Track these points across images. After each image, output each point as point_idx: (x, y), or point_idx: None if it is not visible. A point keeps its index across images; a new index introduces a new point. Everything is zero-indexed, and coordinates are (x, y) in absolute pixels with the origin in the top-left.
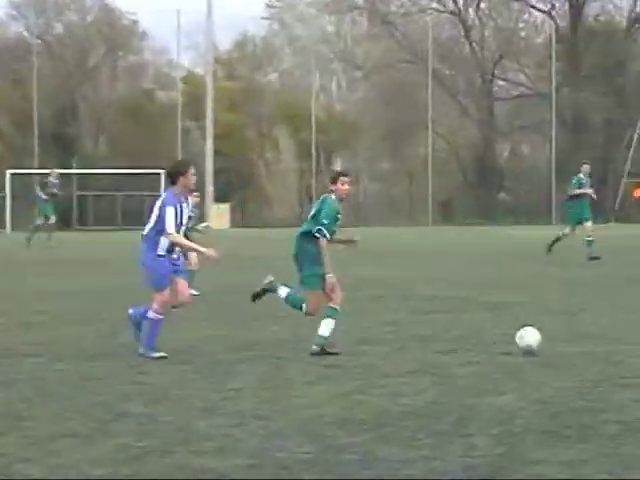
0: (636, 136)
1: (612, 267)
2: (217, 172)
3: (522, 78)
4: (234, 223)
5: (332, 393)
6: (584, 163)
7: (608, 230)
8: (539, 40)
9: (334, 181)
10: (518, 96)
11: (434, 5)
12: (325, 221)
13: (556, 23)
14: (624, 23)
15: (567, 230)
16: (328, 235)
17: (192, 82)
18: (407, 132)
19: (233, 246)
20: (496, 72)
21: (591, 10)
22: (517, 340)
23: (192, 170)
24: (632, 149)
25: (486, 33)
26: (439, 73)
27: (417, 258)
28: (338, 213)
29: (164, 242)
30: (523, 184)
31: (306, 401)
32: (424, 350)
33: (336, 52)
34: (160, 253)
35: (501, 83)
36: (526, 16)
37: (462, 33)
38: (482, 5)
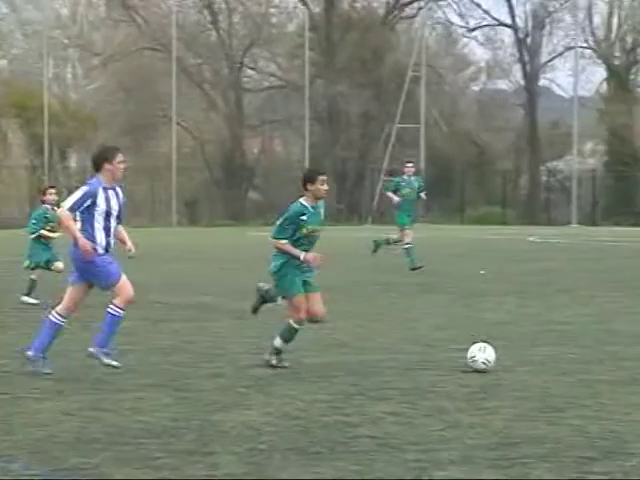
0: (394, 132)
1: (365, 272)
2: None
3: (273, 68)
4: None
5: (62, 410)
6: (408, 162)
7: (363, 232)
8: (292, 27)
9: (312, 181)
10: (269, 88)
11: None
12: (279, 225)
13: (309, 9)
14: (382, 11)
15: (396, 235)
16: (281, 237)
17: None
18: (149, 125)
19: None
20: (245, 61)
21: None
22: (476, 356)
23: (119, 157)
24: (390, 145)
25: (235, 19)
26: (184, 62)
27: (158, 262)
28: (313, 215)
29: (100, 240)
30: (274, 183)
31: (33, 419)
32: (164, 362)
33: (71, 37)
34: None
35: (251, 73)
36: (277, 1)
37: (208, 19)
38: None
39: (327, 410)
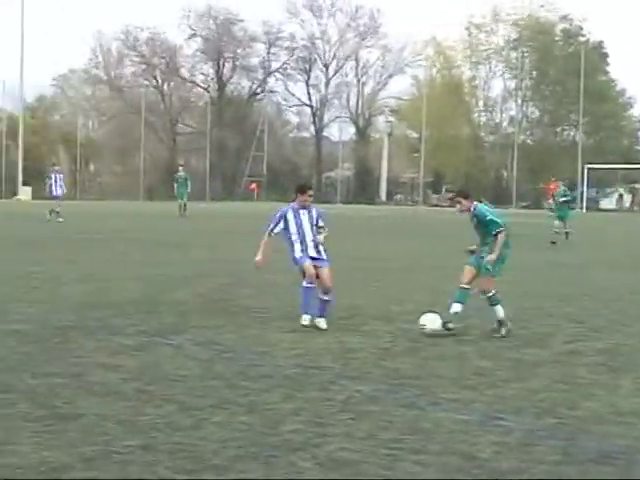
0: (250, 157)
1: None
2: None
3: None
4: None
5: None
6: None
7: None
8: (201, 102)
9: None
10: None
11: None
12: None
13: (210, 93)
14: (245, 95)
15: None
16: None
17: None
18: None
19: None
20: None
21: None
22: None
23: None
24: (249, 163)
25: (173, 98)
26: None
27: None
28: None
29: None
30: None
31: None
32: None
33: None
34: None
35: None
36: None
37: (160, 97)
38: None
39: None
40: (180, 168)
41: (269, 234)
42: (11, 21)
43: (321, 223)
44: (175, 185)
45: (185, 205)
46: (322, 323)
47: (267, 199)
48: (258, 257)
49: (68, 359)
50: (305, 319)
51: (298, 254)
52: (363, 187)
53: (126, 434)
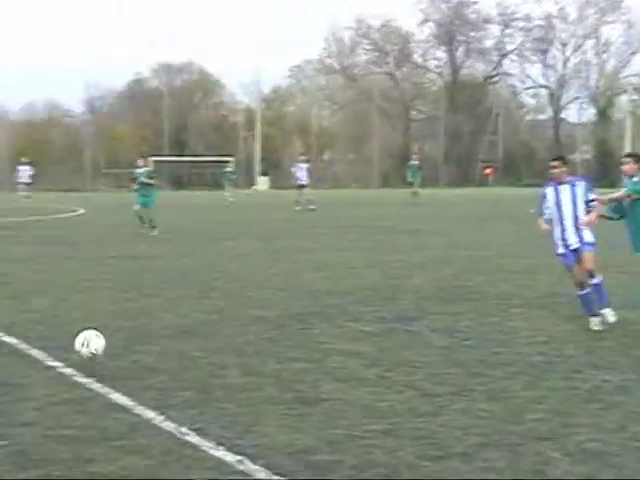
0: (485, 141)
1: None
2: None
3: (424, 109)
4: None
5: None
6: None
7: None
8: (435, 87)
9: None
10: (423, 119)
11: None
12: None
13: (444, 78)
14: (479, 79)
15: None
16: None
17: None
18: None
19: None
20: (411, 105)
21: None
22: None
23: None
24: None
25: (404, 84)
26: (381, 106)
27: None
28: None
29: None
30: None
31: None
32: None
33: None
34: None
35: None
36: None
37: (392, 84)
38: None
39: None
40: (413, 156)
41: (541, 216)
42: (248, 15)
43: (592, 196)
44: (408, 173)
45: (417, 192)
46: (609, 316)
47: (503, 184)
48: (544, 226)
49: (309, 345)
50: (595, 322)
51: (560, 250)
52: (604, 170)
53: (368, 419)
